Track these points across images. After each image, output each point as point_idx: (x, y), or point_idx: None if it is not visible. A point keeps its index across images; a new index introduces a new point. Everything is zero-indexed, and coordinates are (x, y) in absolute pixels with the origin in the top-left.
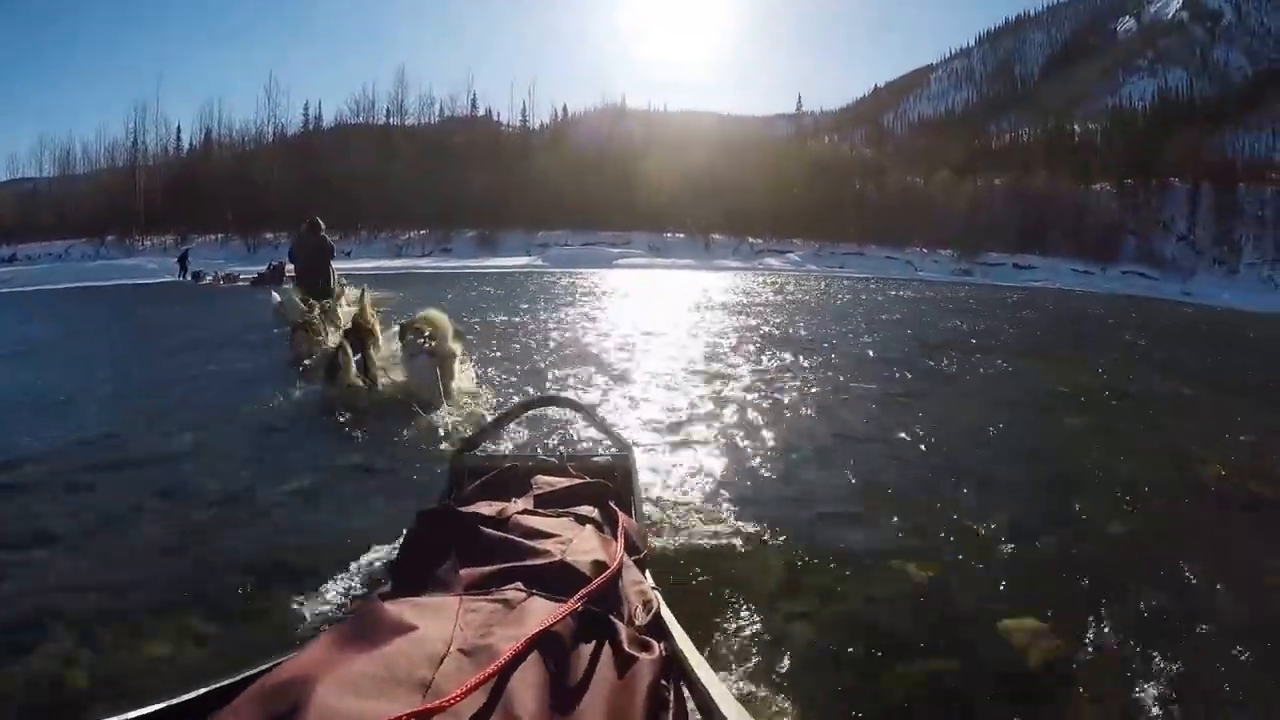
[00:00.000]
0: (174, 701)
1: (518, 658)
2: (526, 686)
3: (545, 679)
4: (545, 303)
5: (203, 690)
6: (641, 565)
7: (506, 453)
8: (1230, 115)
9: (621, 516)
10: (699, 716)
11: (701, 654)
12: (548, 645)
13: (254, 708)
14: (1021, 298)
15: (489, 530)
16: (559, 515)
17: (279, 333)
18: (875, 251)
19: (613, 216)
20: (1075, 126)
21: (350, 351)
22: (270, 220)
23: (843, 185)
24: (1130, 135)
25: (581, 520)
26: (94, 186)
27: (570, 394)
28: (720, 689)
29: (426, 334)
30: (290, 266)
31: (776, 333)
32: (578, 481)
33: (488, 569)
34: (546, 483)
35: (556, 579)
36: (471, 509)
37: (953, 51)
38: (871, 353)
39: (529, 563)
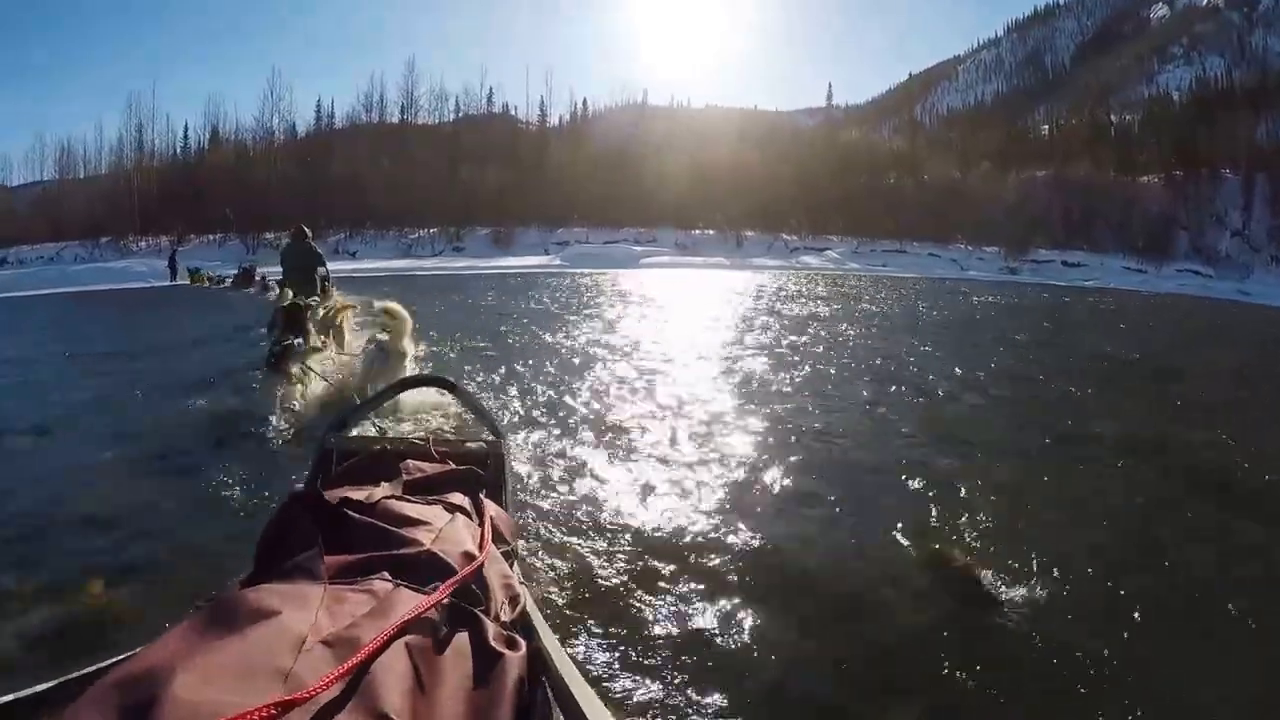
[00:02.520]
0: (26, 693)
1: (380, 650)
2: (389, 680)
3: (409, 672)
4: (564, 309)
5: (56, 681)
6: (509, 558)
7: (376, 436)
8: (1275, 103)
9: (491, 507)
10: (562, 715)
11: (566, 651)
12: (412, 638)
13: (108, 699)
14: (1102, 302)
15: (356, 516)
16: (429, 503)
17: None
18: (917, 248)
19: (635, 213)
20: (1112, 116)
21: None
22: (272, 220)
23: (879, 179)
24: (1174, 124)
25: (451, 509)
26: (90, 187)
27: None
28: (584, 688)
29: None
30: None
31: (878, 362)
32: (448, 468)
33: (354, 557)
34: (417, 468)
35: (424, 570)
36: (339, 493)
37: (981, 42)
38: (1039, 395)
39: (396, 552)
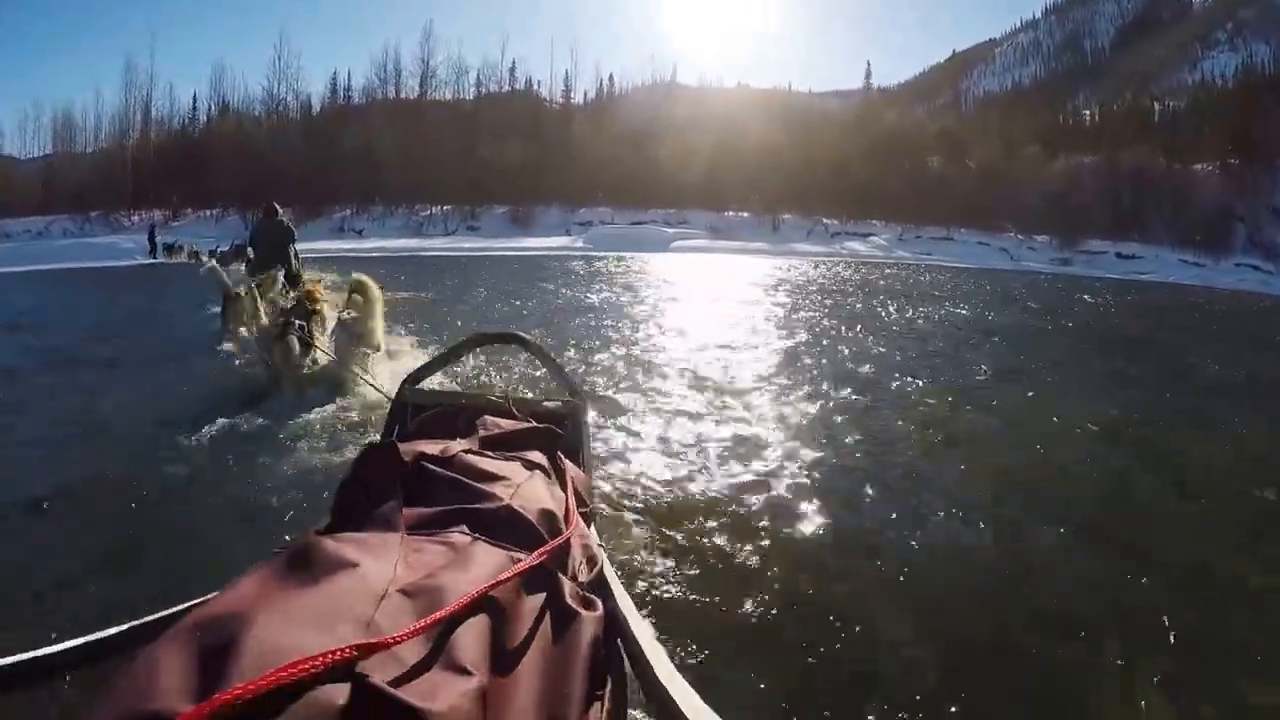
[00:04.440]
0: (105, 633)
1: (468, 610)
2: (468, 633)
3: (487, 628)
4: (592, 304)
5: (134, 624)
6: (588, 520)
7: (454, 390)
8: None
9: (570, 467)
10: (634, 674)
11: (644, 619)
12: (490, 595)
13: (188, 639)
14: (1183, 298)
15: (434, 469)
16: (507, 459)
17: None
18: (964, 236)
19: (663, 194)
20: (1159, 103)
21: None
22: (272, 194)
23: (922, 163)
24: (1222, 111)
25: (529, 466)
26: (88, 159)
27: None
28: (657, 650)
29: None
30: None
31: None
32: (526, 426)
33: (432, 509)
34: (494, 424)
35: (503, 525)
36: (416, 446)
37: (1018, 24)
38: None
39: (475, 506)
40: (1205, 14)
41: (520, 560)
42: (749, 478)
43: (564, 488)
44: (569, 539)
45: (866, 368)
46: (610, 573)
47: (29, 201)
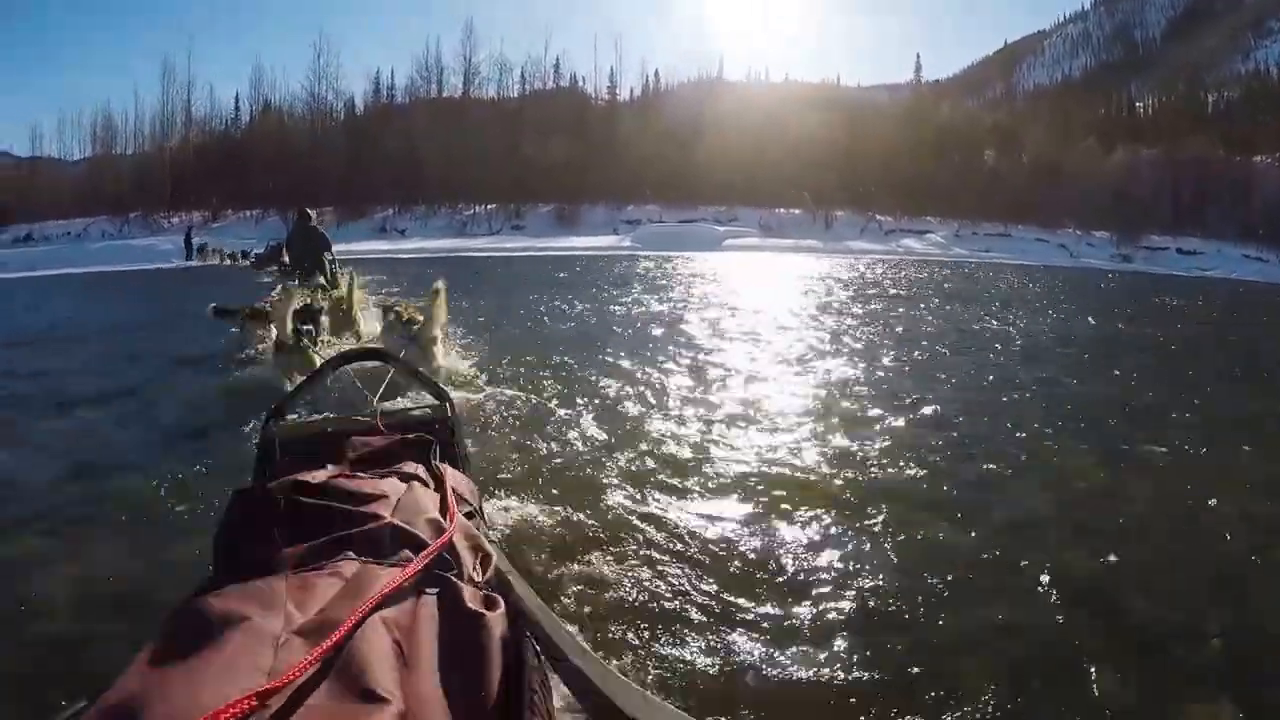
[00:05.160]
0: None
1: (356, 628)
2: (371, 658)
3: (390, 648)
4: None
5: None
6: (473, 518)
7: (317, 418)
8: None
9: (447, 470)
10: (549, 668)
11: (544, 605)
12: (388, 614)
13: None
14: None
15: (310, 500)
16: (382, 475)
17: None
18: (1021, 232)
19: (711, 191)
20: (1214, 94)
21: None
22: (313, 194)
23: (976, 157)
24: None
25: (406, 478)
26: (129, 160)
27: None
28: (568, 637)
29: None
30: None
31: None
32: (396, 438)
33: (315, 543)
34: (364, 443)
35: (389, 542)
36: (287, 482)
37: (1067, 15)
38: None
39: (358, 529)
40: (1257, 2)
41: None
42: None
43: (441, 492)
44: (451, 541)
45: (990, 422)
46: (508, 567)
47: (69, 203)
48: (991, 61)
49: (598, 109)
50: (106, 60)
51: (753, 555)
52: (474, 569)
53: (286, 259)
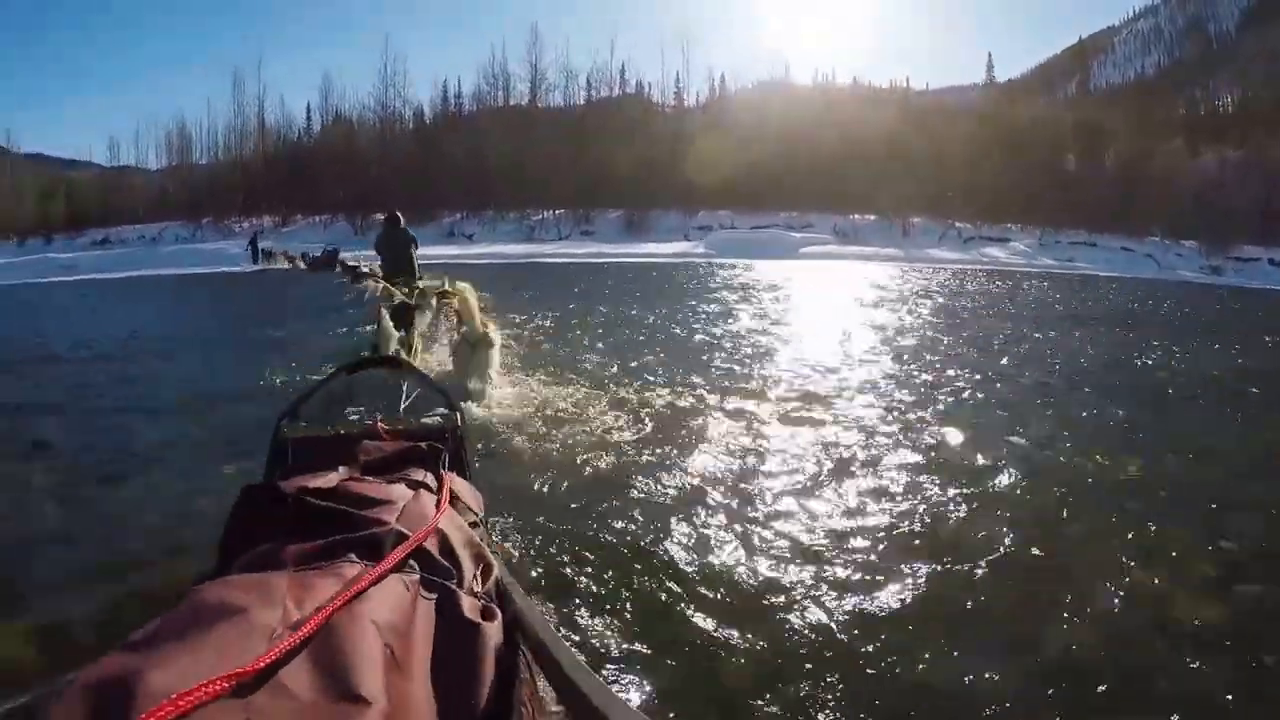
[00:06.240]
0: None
1: (330, 617)
2: (361, 662)
3: (381, 653)
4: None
5: (28, 696)
6: (476, 528)
7: (330, 423)
8: None
9: (450, 478)
10: (545, 681)
11: (546, 618)
12: (382, 618)
13: (81, 702)
14: None
15: (317, 502)
16: (390, 481)
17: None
18: (1105, 241)
19: (782, 196)
20: None
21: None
22: (382, 200)
23: (1057, 160)
24: None
25: (414, 485)
26: (199, 168)
27: None
28: (566, 651)
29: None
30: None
31: None
32: (406, 446)
33: (319, 543)
34: (375, 448)
35: (391, 548)
36: (297, 481)
37: (1136, 10)
38: None
39: (362, 533)
40: None
41: (415, 581)
42: None
43: (441, 501)
44: (449, 547)
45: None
46: (509, 578)
47: (146, 208)
48: (1061, 60)
49: (665, 114)
50: (180, 73)
51: None
52: (474, 579)
53: (379, 265)
